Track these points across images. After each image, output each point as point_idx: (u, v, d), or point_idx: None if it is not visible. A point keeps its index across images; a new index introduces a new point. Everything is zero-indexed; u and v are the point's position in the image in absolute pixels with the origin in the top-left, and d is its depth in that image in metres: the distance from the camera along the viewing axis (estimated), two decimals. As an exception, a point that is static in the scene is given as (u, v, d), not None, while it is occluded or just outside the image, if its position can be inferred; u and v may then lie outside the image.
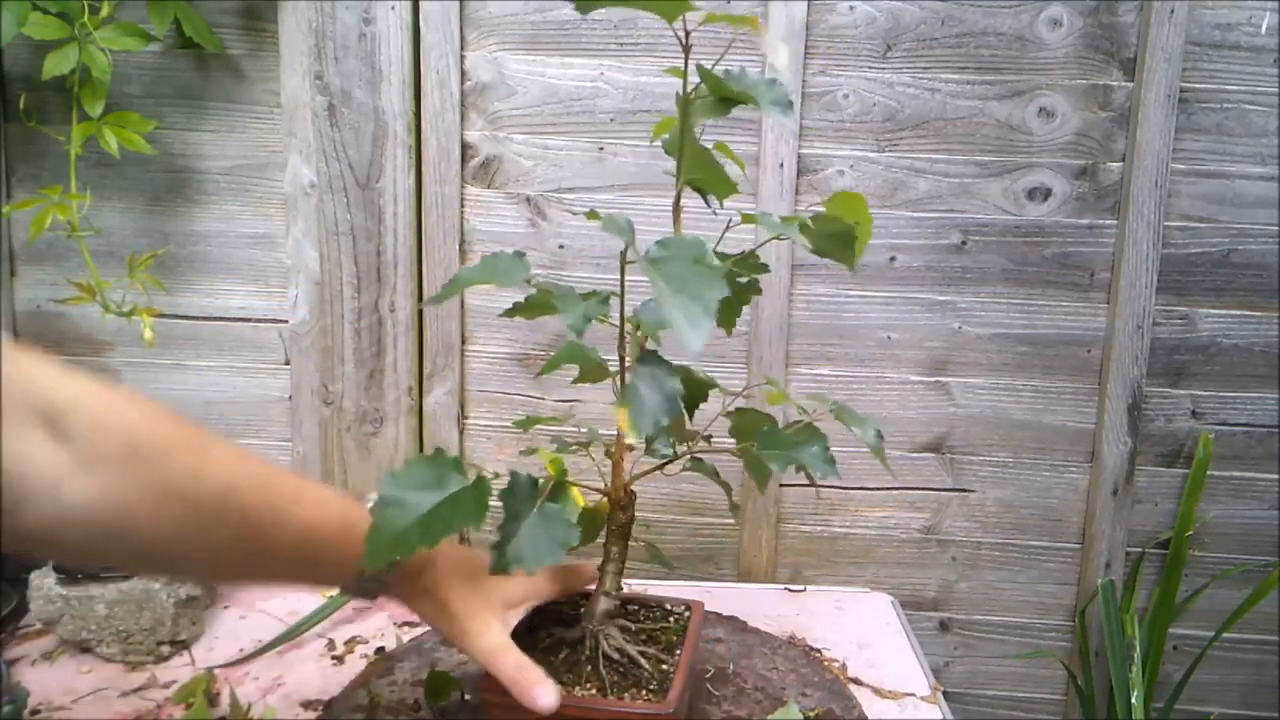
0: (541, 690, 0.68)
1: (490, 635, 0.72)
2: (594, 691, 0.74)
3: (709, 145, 0.76)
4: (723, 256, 0.77)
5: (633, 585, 0.93)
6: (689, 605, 0.87)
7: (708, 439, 0.85)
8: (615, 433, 0.80)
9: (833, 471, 0.77)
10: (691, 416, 0.86)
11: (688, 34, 0.67)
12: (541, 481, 0.74)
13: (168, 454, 0.60)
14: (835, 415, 0.82)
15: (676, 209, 0.75)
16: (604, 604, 0.79)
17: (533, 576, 0.76)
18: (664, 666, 0.77)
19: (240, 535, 0.63)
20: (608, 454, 0.80)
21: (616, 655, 0.77)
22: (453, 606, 0.73)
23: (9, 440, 0.54)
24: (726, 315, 0.83)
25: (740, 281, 0.81)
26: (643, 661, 0.77)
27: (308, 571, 0.70)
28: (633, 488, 0.80)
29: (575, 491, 0.78)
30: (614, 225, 0.65)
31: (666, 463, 0.81)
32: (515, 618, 0.78)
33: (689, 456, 0.84)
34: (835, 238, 0.75)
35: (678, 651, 0.79)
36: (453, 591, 0.73)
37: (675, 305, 0.59)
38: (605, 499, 0.80)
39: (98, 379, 0.58)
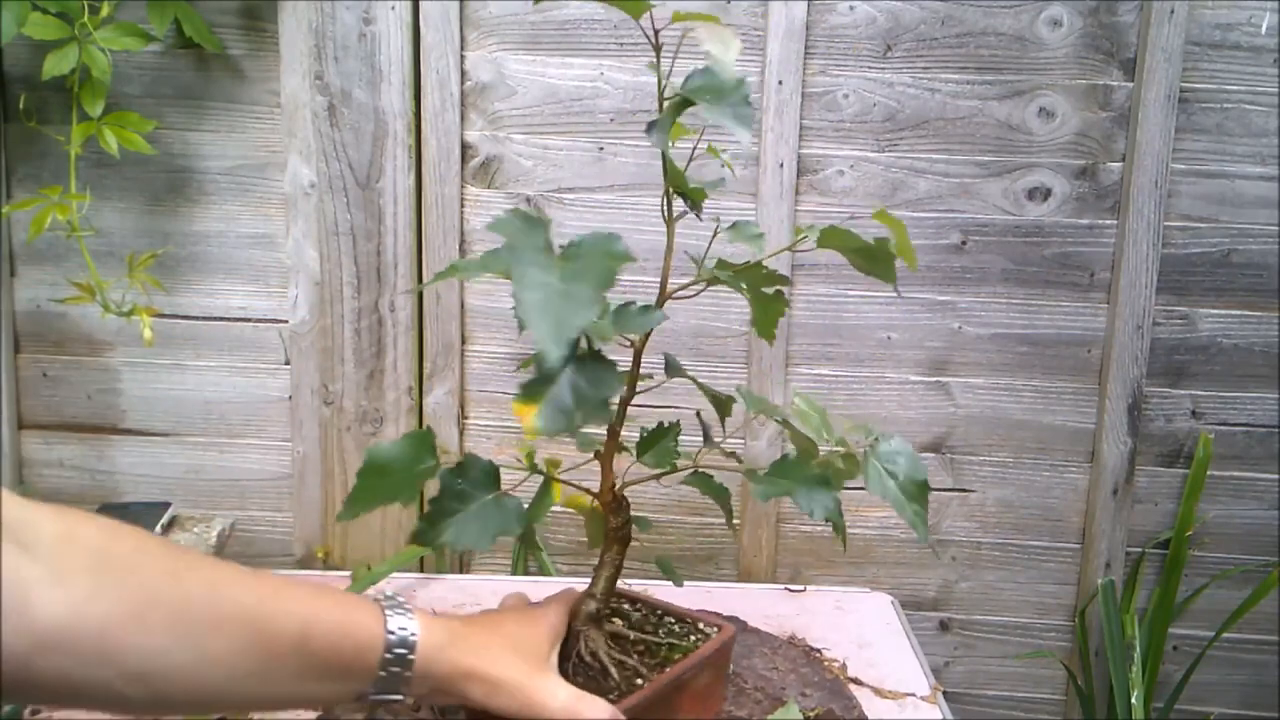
0: None
1: (559, 693, 0.68)
2: None
3: (704, 146, 0.76)
4: (724, 264, 0.75)
5: (650, 587, 0.90)
6: (721, 628, 0.82)
7: (707, 451, 0.83)
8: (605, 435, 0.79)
9: (834, 519, 0.74)
10: (724, 429, 0.84)
11: (657, 32, 0.67)
12: (494, 467, 0.73)
13: (141, 561, 0.54)
14: (847, 465, 0.78)
15: (666, 212, 0.74)
16: (589, 606, 0.78)
17: (551, 621, 0.75)
18: (637, 680, 0.75)
19: (236, 637, 0.56)
20: (596, 456, 0.79)
21: (589, 659, 0.76)
22: (510, 680, 0.67)
23: None
24: (766, 326, 0.81)
25: (766, 293, 0.79)
26: (612, 670, 0.75)
27: (318, 671, 0.60)
28: (632, 489, 0.80)
29: (558, 488, 0.79)
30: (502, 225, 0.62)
31: (663, 474, 0.80)
32: (555, 664, 0.74)
33: (692, 470, 0.81)
34: (871, 255, 0.72)
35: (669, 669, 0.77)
36: (500, 666, 0.67)
37: (539, 314, 0.56)
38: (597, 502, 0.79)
39: (56, 505, 0.53)
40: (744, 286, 0.75)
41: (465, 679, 0.66)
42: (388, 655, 0.62)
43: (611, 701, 0.71)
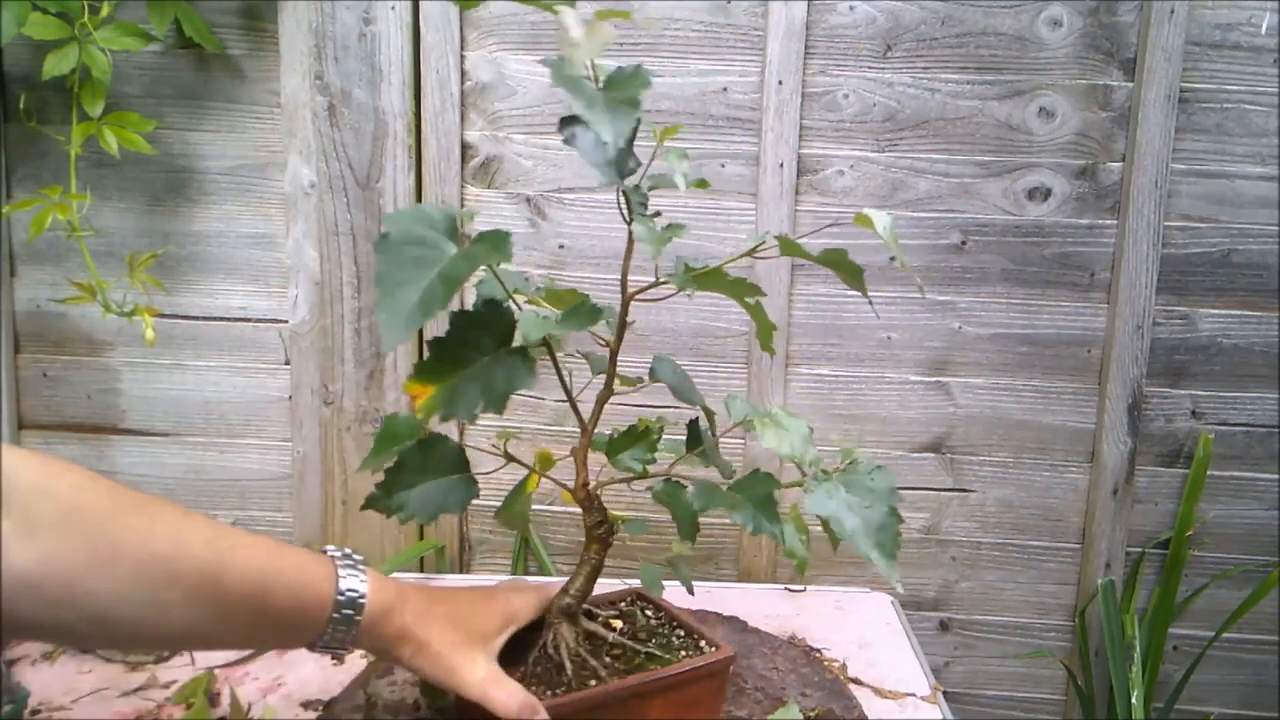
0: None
1: (477, 668, 0.70)
2: None
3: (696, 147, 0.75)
4: (690, 269, 0.74)
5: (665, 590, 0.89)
6: (718, 648, 0.81)
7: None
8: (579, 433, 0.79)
9: (777, 537, 0.75)
10: (715, 435, 0.84)
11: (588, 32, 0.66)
12: (460, 450, 0.75)
13: (110, 516, 0.58)
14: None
15: (625, 212, 0.72)
16: (562, 601, 0.78)
17: (512, 604, 0.76)
18: (592, 681, 0.74)
19: (193, 591, 0.60)
20: (571, 453, 0.79)
21: (552, 652, 0.77)
22: (434, 646, 0.70)
23: None
24: (763, 338, 0.81)
25: (750, 304, 0.79)
26: (567, 667, 0.75)
27: (270, 626, 0.66)
28: (633, 487, 0.80)
29: (535, 479, 0.82)
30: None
31: (633, 478, 0.79)
32: (499, 645, 0.75)
33: (663, 480, 0.78)
34: (844, 268, 0.73)
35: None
36: (431, 631, 0.71)
37: (381, 302, 0.58)
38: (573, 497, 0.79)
39: (34, 450, 0.56)
40: (691, 292, 0.73)
41: (400, 639, 0.70)
42: (335, 615, 0.67)
43: (552, 696, 0.71)
